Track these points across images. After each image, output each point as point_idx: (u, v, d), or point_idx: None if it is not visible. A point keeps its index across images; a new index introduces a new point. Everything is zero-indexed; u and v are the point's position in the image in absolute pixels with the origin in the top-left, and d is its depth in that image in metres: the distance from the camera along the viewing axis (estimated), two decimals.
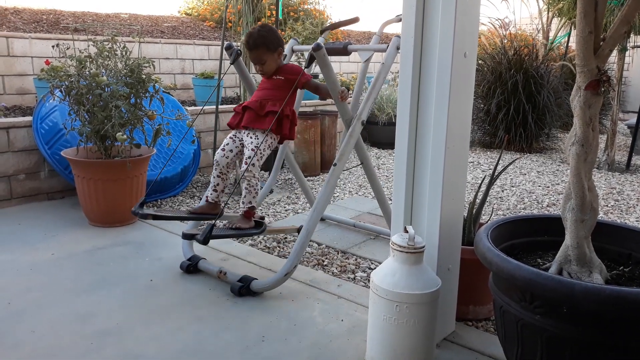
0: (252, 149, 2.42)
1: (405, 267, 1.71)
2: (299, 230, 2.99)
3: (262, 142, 2.44)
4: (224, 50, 2.78)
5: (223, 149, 2.53)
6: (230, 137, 2.56)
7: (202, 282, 2.48)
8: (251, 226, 2.48)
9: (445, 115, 1.83)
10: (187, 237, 2.39)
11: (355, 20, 2.97)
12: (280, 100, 2.45)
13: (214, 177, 2.56)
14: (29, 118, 3.68)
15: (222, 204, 2.58)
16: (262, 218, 2.60)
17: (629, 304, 1.34)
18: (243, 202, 2.48)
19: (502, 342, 1.74)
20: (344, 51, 2.71)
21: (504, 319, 1.64)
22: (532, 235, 1.91)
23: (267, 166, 4.50)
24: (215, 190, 2.56)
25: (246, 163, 2.41)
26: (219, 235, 2.39)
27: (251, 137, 2.48)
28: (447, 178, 1.88)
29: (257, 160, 2.43)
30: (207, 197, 2.58)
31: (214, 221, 2.30)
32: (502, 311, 1.64)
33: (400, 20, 2.77)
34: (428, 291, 1.70)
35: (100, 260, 2.73)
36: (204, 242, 2.23)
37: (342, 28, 9.16)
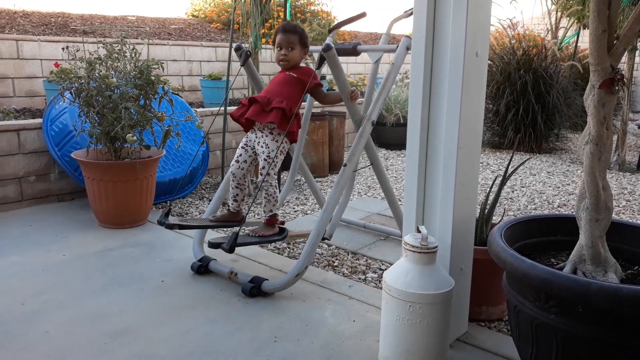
0: (265, 159, 2.46)
1: (418, 267, 1.71)
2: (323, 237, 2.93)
3: (273, 150, 2.45)
4: (233, 51, 2.78)
5: (237, 160, 2.56)
6: (242, 147, 2.56)
7: (213, 283, 2.49)
8: (275, 232, 2.54)
9: (457, 115, 1.83)
10: (214, 246, 2.39)
11: (362, 15, 2.95)
12: (288, 99, 2.42)
13: (232, 188, 2.61)
14: (39, 120, 3.70)
15: (244, 212, 2.67)
16: (283, 223, 2.63)
17: None
18: (264, 211, 2.53)
19: (516, 342, 1.73)
20: (354, 52, 2.71)
21: (518, 318, 1.63)
22: (546, 235, 1.90)
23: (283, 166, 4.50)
24: (235, 200, 2.62)
25: (261, 174, 2.45)
26: (244, 243, 2.43)
27: (262, 147, 2.48)
28: (459, 178, 1.87)
29: (272, 169, 2.46)
30: (228, 206, 2.64)
31: (238, 230, 2.35)
32: (517, 311, 1.63)
33: (408, 15, 2.77)
34: (441, 291, 1.69)
35: (111, 261, 2.74)
36: (230, 250, 2.28)
37: (349, 29, 9.17)
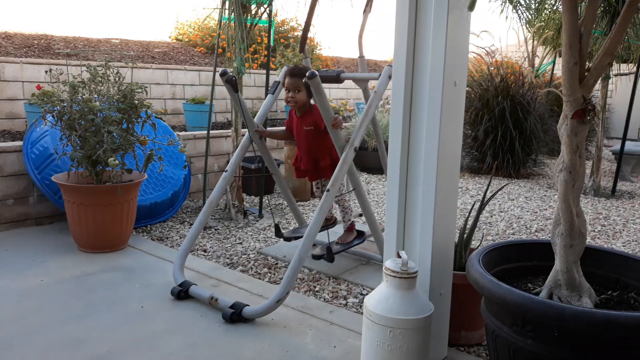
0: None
1: (398, 292, 1.73)
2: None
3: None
4: (218, 76, 2.82)
5: (316, 191, 3.17)
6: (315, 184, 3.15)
7: (193, 309, 2.47)
8: (355, 237, 3.07)
9: (436, 142, 1.87)
10: (317, 257, 2.81)
11: (313, 5, 3.00)
12: (325, 156, 2.89)
13: None
14: (19, 143, 3.68)
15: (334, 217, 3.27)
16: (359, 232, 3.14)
17: (619, 327, 1.36)
18: (344, 221, 3.04)
19: None
20: (337, 79, 2.76)
21: (496, 343, 1.65)
22: (523, 260, 1.94)
23: (257, 192, 4.52)
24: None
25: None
26: (338, 251, 2.93)
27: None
28: (439, 203, 1.91)
29: (339, 192, 2.79)
30: None
31: (329, 242, 2.84)
32: (494, 336, 1.65)
33: (367, 13, 2.93)
34: (421, 316, 1.71)
35: (90, 286, 2.71)
36: (332, 260, 2.78)
37: (331, 55, 9.30)
